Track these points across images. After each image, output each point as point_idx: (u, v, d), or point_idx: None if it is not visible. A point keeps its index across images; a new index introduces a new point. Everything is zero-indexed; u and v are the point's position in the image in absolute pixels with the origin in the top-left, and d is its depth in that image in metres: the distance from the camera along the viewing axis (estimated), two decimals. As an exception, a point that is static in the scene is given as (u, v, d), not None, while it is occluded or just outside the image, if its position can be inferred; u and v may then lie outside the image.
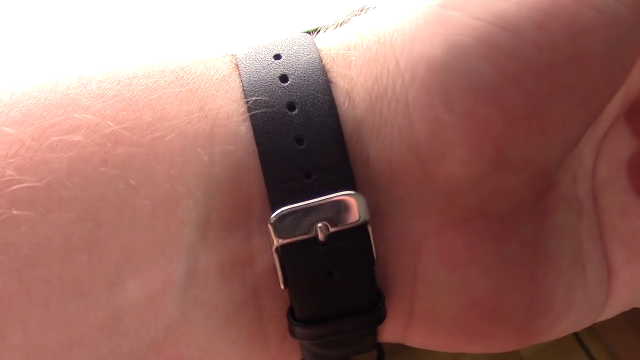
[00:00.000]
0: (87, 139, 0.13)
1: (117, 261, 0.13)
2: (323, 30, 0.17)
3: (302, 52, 0.15)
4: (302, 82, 0.14)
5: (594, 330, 0.88)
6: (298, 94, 0.14)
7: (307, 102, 0.14)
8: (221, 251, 0.14)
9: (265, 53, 0.15)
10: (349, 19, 0.18)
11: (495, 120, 0.13)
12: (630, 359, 0.85)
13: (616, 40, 0.13)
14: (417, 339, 0.16)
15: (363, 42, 0.15)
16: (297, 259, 0.14)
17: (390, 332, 0.16)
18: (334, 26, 0.18)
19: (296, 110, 0.14)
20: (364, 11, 0.18)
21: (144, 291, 0.13)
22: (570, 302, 0.16)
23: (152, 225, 0.13)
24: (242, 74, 0.15)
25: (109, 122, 0.13)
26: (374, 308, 0.15)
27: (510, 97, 0.13)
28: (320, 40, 0.16)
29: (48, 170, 0.13)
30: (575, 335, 0.88)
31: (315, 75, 0.15)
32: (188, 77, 0.14)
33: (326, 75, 0.15)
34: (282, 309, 0.15)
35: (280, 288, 0.14)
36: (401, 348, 0.16)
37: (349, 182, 0.14)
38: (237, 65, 0.15)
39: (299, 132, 0.14)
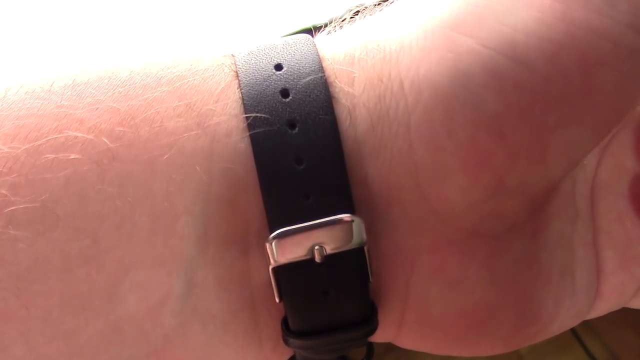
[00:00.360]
0: (83, 155, 0.13)
1: (116, 275, 0.13)
2: (326, 30, 0.17)
3: (304, 62, 0.15)
4: (303, 99, 0.14)
5: (592, 327, 0.88)
6: (299, 112, 0.14)
7: (308, 120, 0.14)
8: (219, 265, 0.14)
9: (266, 61, 0.15)
10: (347, 18, 0.17)
11: (496, 151, 0.13)
12: (628, 355, 0.85)
13: (629, 73, 0.13)
14: (406, 343, 0.16)
15: (367, 58, 0.15)
16: (292, 279, 0.14)
17: (379, 336, 0.16)
18: (335, 26, 0.17)
19: (297, 129, 0.14)
20: (362, 10, 0.17)
21: (143, 303, 0.13)
22: (558, 310, 0.16)
23: (151, 241, 0.13)
24: (242, 85, 0.14)
25: (105, 139, 0.13)
26: (367, 321, 0.15)
27: (514, 128, 0.13)
28: (322, 45, 0.16)
29: (44, 188, 0.13)
30: (574, 332, 0.88)
31: (317, 91, 0.14)
32: (185, 88, 0.14)
33: (328, 92, 0.14)
34: (277, 317, 0.15)
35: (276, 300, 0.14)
36: (394, 347, 0.17)
37: (347, 205, 0.14)
38: (236, 72, 0.15)
39: (298, 153, 0.14)
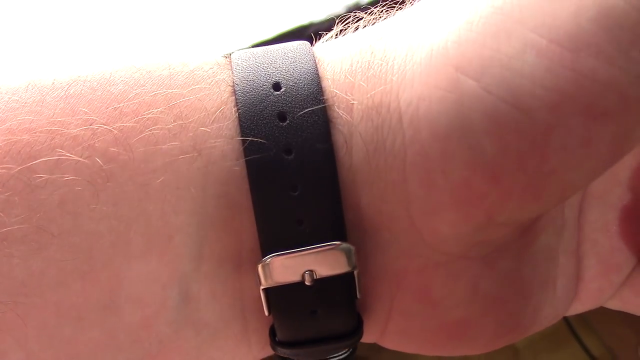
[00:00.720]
0: (77, 175, 0.13)
1: (111, 289, 0.13)
2: (328, 36, 0.17)
3: (303, 83, 0.14)
4: (301, 124, 0.14)
5: (588, 322, 0.89)
6: (296, 138, 0.14)
7: (305, 148, 0.14)
8: (213, 280, 0.14)
9: (264, 78, 0.14)
10: (345, 18, 0.17)
11: (489, 192, 0.13)
12: (623, 351, 0.85)
13: (632, 122, 0.13)
14: (389, 345, 0.17)
15: (367, 86, 0.14)
16: (282, 300, 0.15)
17: (363, 339, 0.17)
18: (336, 34, 0.17)
19: (292, 155, 0.14)
20: (357, 8, 0.17)
21: (138, 314, 0.14)
22: (536, 318, 0.17)
23: (145, 258, 0.14)
24: (238, 105, 0.14)
25: (98, 160, 0.13)
26: (352, 334, 0.16)
27: (510, 174, 0.13)
28: (322, 59, 0.15)
29: (38, 207, 0.13)
30: (569, 327, 0.89)
31: (316, 117, 0.14)
32: (181, 107, 0.14)
33: (327, 120, 0.14)
34: (266, 324, 0.16)
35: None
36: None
37: (339, 232, 0.14)
38: (233, 89, 0.14)
39: (294, 180, 0.14)
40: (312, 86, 0.14)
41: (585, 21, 0.12)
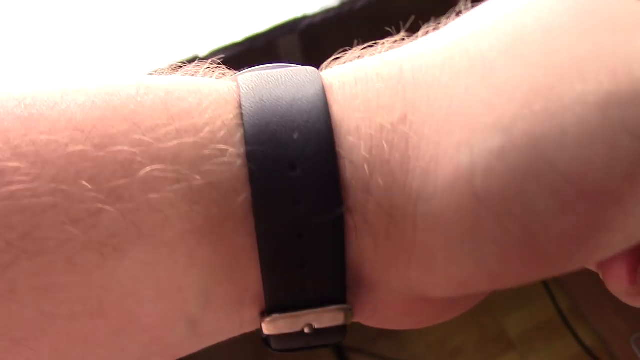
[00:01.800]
0: (84, 247, 0.13)
1: (121, 323, 0.14)
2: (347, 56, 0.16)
3: (320, 166, 0.14)
4: (314, 208, 0.14)
5: (581, 313, 0.89)
6: (307, 222, 0.14)
7: (315, 229, 0.14)
8: (218, 312, 0.15)
9: (279, 155, 0.14)
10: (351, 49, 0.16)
11: (482, 283, 0.14)
12: (616, 340, 0.86)
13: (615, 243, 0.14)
14: (366, 324, 0.18)
15: (384, 183, 0.14)
16: (282, 342, 0.16)
17: None
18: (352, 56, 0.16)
19: (305, 237, 0.14)
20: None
21: (148, 336, 0.15)
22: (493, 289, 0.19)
23: (155, 303, 0.14)
24: (253, 190, 0.14)
25: (104, 233, 0.13)
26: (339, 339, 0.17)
27: (504, 277, 0.14)
28: (338, 123, 0.14)
29: (46, 266, 0.13)
30: (563, 317, 0.89)
31: (330, 199, 0.14)
32: (193, 189, 0.14)
33: (342, 203, 0.14)
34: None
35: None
36: (385, 333, 0.18)
37: (340, 298, 0.15)
38: (246, 166, 0.14)
39: (303, 259, 0.14)
40: (330, 177, 0.14)
41: (617, 175, 0.12)
